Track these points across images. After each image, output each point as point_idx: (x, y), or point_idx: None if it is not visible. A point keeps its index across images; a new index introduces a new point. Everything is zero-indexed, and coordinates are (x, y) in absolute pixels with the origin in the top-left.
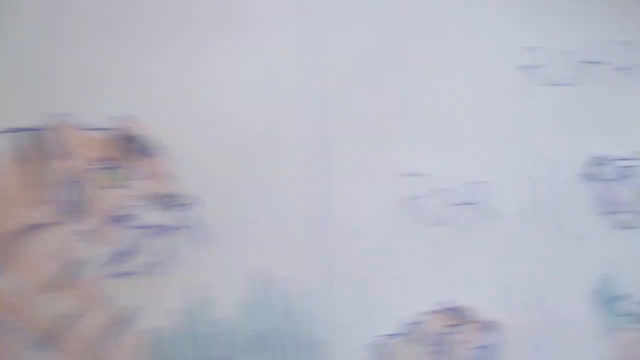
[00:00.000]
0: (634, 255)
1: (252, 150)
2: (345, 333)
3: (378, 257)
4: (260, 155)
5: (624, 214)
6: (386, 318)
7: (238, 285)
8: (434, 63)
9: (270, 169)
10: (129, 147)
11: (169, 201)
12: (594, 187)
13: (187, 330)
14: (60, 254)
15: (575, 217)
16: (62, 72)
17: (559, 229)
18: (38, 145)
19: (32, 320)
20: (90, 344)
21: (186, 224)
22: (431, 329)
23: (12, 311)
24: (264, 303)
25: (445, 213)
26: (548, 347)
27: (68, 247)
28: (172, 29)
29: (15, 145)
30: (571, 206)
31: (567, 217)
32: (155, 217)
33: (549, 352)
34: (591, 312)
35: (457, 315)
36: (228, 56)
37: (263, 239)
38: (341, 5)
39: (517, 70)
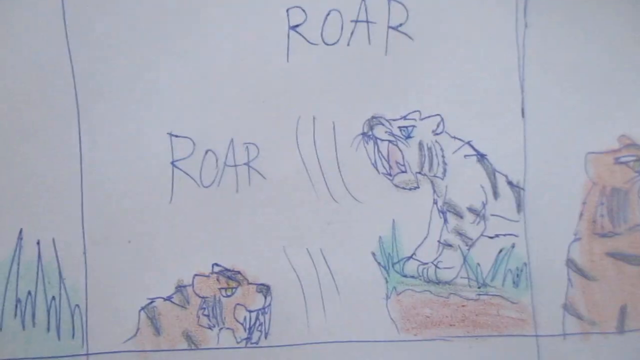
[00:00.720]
0: (415, 216)
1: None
2: (110, 297)
3: (147, 220)
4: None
5: (405, 175)
6: (156, 281)
7: None
8: (202, 24)
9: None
10: None
11: None
12: (374, 147)
13: None
14: None
15: (355, 179)
16: None
17: (336, 191)
18: None
19: None
20: None
21: None
22: (203, 291)
23: None
24: (17, 267)
25: (215, 175)
26: (329, 310)
27: None
28: None
29: None
30: (351, 167)
31: (346, 179)
32: None
33: (331, 315)
34: (372, 274)
35: (229, 278)
36: None
37: (15, 201)
38: None
39: (288, 30)
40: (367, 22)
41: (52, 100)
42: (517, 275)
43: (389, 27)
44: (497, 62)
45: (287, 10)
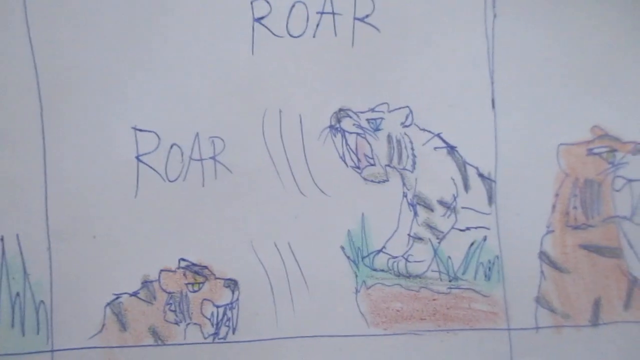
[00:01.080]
0: (385, 210)
1: None
2: (75, 293)
3: (112, 215)
4: None
5: (374, 168)
6: (122, 277)
7: None
8: (166, 17)
9: None
10: None
11: None
12: (342, 140)
13: None
14: None
15: (323, 172)
16: None
17: (304, 184)
18: None
19: None
20: None
21: None
22: (169, 287)
23: None
24: None
25: (181, 169)
26: (298, 304)
27: None
28: None
29: None
30: (318, 161)
31: (313, 172)
32: None
33: (299, 309)
34: (342, 268)
35: (196, 273)
36: None
37: None
38: None
39: (253, 22)
40: (333, 13)
41: (16, 95)
42: (489, 268)
43: (355, 18)
44: (466, 53)
45: (252, 3)
